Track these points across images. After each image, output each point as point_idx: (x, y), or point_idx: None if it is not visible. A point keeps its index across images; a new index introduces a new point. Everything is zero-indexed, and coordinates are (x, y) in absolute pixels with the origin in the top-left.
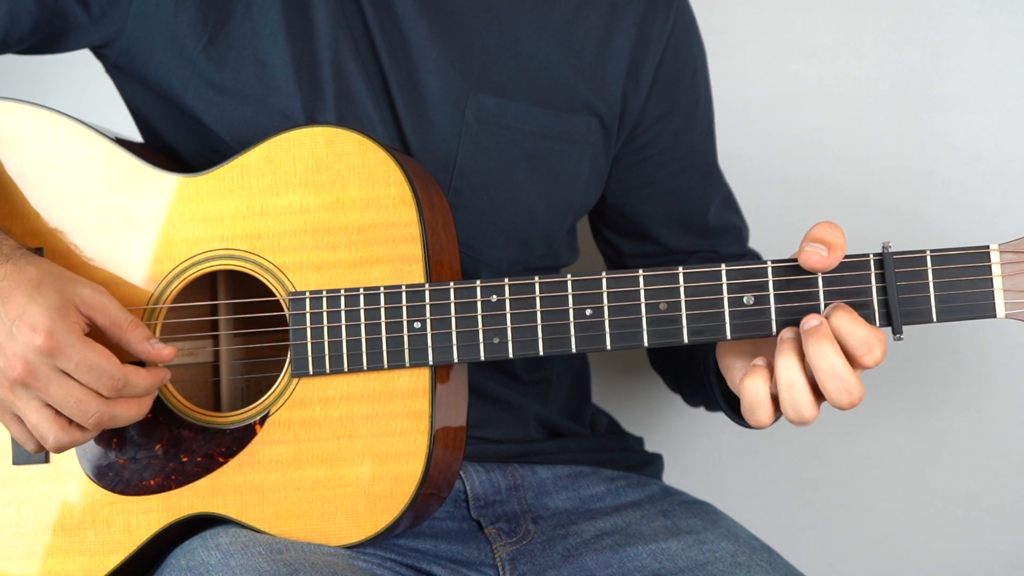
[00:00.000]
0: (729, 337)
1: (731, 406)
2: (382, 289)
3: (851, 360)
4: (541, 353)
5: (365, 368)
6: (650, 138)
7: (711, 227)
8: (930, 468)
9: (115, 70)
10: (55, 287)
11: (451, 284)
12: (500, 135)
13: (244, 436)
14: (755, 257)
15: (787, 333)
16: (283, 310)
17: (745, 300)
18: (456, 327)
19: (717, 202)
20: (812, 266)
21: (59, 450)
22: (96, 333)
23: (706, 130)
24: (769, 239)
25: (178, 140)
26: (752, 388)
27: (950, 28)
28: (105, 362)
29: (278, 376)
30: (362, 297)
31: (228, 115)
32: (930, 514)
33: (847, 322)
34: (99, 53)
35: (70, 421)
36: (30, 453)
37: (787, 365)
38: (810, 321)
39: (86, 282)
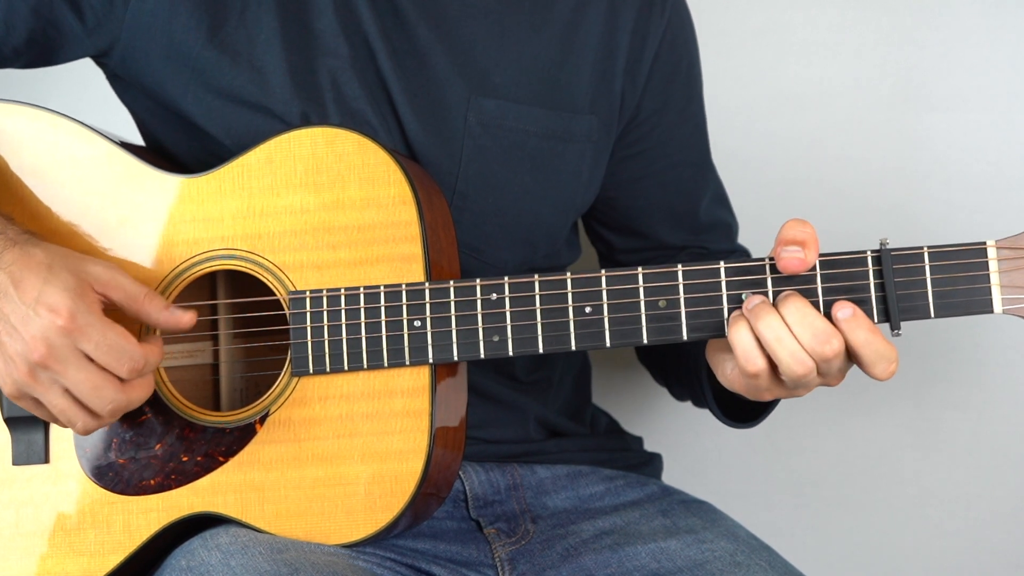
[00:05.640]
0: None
1: (720, 405)
2: (382, 288)
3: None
4: (541, 351)
5: (365, 366)
6: (645, 132)
7: (702, 222)
8: (929, 467)
9: (115, 78)
10: (68, 268)
11: (451, 283)
12: (502, 137)
13: (244, 435)
14: (744, 254)
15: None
16: (283, 310)
17: (744, 297)
18: (456, 325)
19: (708, 197)
20: (793, 270)
21: (87, 433)
22: (110, 311)
23: (699, 124)
24: (769, 239)
25: (179, 145)
26: (738, 336)
27: (950, 28)
28: (126, 343)
29: (278, 376)
30: (362, 296)
31: (227, 120)
32: (929, 513)
33: (800, 312)
34: (99, 62)
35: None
36: (29, 454)
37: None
38: (753, 301)
39: (96, 260)
